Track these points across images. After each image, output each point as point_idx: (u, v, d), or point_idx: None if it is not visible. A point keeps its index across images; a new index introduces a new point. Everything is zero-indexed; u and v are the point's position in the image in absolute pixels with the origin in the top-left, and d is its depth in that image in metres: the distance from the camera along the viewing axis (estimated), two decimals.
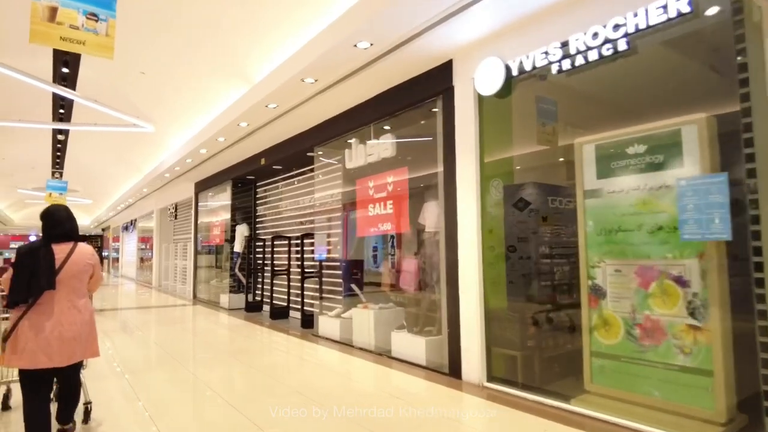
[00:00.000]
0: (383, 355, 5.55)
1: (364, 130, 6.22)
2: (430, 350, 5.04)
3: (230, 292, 10.68)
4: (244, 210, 11.00)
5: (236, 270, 10.75)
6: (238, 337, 7.19)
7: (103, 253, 36.85)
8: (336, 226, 7.36)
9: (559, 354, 4.56)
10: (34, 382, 2.87)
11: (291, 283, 8.95)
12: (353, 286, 6.82)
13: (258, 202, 10.82)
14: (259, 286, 10.28)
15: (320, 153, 7.47)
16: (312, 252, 8.23)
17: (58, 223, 3.05)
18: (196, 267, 13.20)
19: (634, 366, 3.56)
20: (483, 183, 4.52)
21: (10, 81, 8.04)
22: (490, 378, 4.39)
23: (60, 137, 12.26)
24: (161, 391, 4.47)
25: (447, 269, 4.74)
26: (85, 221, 30.64)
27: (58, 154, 14.04)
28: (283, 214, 9.60)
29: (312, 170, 8.42)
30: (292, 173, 9.23)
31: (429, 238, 5.33)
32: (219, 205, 11.82)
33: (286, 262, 9.00)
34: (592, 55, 3.59)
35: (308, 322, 7.64)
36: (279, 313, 8.84)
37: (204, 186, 12.49)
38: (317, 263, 7.93)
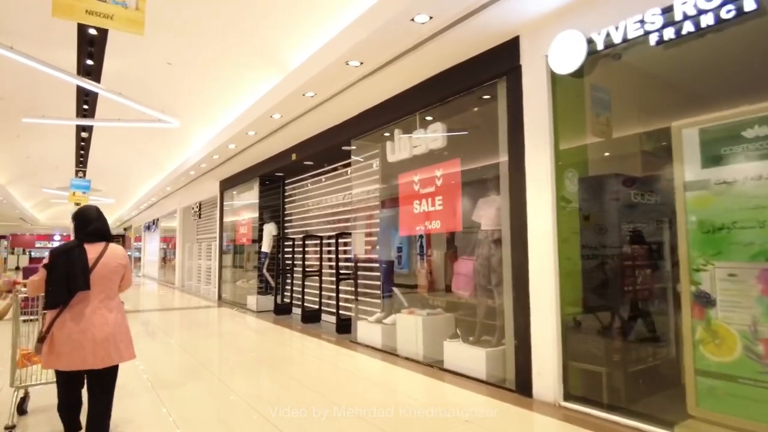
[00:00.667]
0: (434, 366, 5.03)
1: (408, 119, 5.70)
2: (491, 363, 4.51)
3: (258, 293, 10.27)
4: (272, 208, 10.58)
5: (264, 271, 10.34)
6: (271, 344, 6.75)
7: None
8: (374, 224, 6.87)
9: (648, 370, 3.99)
10: (70, 381, 2.92)
11: (323, 285, 8.50)
12: (395, 289, 6.33)
13: (287, 200, 10.39)
14: (288, 287, 9.86)
15: (354, 148, 6.98)
16: (346, 252, 7.75)
17: (89, 221, 3.00)
18: (221, 267, 12.85)
19: (758, 389, 2.99)
20: (557, 174, 3.97)
21: (33, 76, 7.75)
22: (567, 396, 3.85)
23: (84, 134, 12.03)
24: (193, 407, 4.03)
25: (514, 272, 4.20)
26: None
27: (82, 152, 13.86)
28: (314, 213, 9.15)
29: (346, 165, 7.96)
30: (324, 169, 8.77)
31: (486, 237, 4.79)
32: (246, 204, 11.43)
33: (318, 263, 8.55)
34: (706, 20, 3.02)
35: (344, 326, 7.16)
36: (311, 317, 8.39)
37: (230, 184, 12.12)
38: (352, 264, 7.45)
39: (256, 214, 10.63)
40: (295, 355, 6.00)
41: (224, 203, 12.83)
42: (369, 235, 7.02)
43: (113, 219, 29.48)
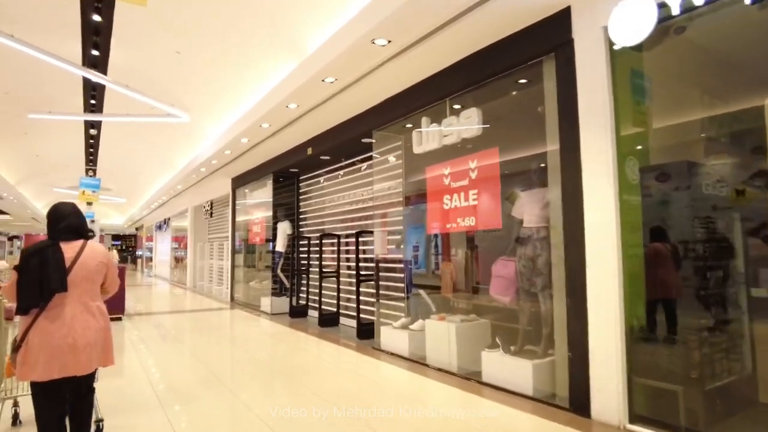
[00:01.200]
0: (471, 379, 4.54)
1: (437, 107, 5.22)
2: (538, 376, 4.01)
3: (272, 295, 9.85)
4: (286, 206, 10.15)
5: (278, 271, 9.91)
6: (288, 350, 6.31)
7: (137, 253, 37.02)
8: (397, 222, 6.40)
9: (727, 387, 3.48)
10: (48, 394, 2.57)
11: (341, 287, 8.04)
12: (421, 291, 5.85)
13: (302, 197, 9.95)
14: (304, 289, 9.42)
15: (375, 141, 6.51)
16: (366, 252, 7.28)
17: (63, 217, 2.72)
18: (233, 267, 12.46)
19: None
20: (619, 163, 3.46)
21: (38, 70, 7.39)
22: (634, 418, 3.34)
23: (92, 131, 11.69)
24: (204, 426, 3.59)
25: (568, 274, 3.70)
26: (118, 221, 30.63)
27: (91, 150, 13.56)
28: (331, 210, 8.69)
29: (366, 159, 7.49)
30: (341, 164, 8.30)
31: (530, 235, 4.29)
32: (258, 202, 11.02)
33: (335, 263, 8.10)
34: None
35: (365, 332, 6.70)
36: (328, 320, 7.94)
37: (242, 181, 11.71)
38: (372, 265, 6.99)
39: (270, 213, 10.21)
40: (314, 364, 5.54)
41: (236, 201, 12.43)
42: (391, 233, 6.55)
43: (125, 219, 29.35)
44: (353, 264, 7.45)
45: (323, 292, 8.30)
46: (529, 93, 4.48)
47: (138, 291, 16.37)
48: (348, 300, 7.99)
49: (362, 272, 7.03)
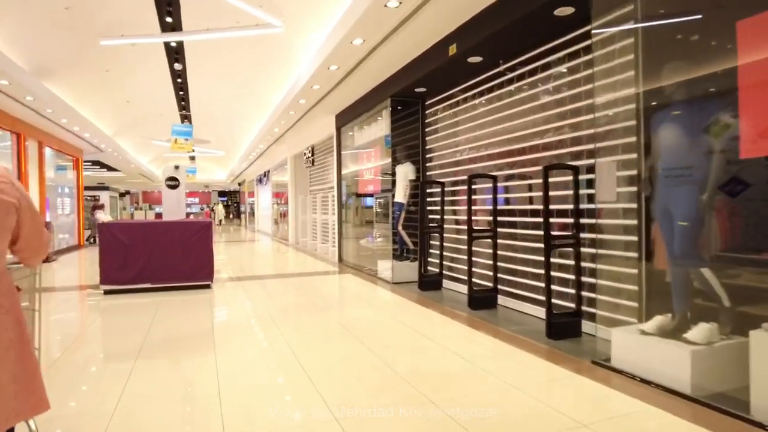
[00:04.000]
0: None
1: None
2: None
3: (393, 258, 7.62)
4: (407, 144, 7.72)
5: (399, 227, 7.62)
6: (438, 354, 3.93)
7: (240, 209, 37.39)
8: (628, 148, 3.68)
9: None
10: None
11: (500, 252, 5.53)
12: (706, 271, 3.12)
13: (428, 128, 7.41)
14: (433, 252, 7.06)
15: (572, 10, 3.73)
16: (555, 201, 4.61)
17: None
18: (341, 222, 10.44)
19: None
20: None
21: None
22: None
23: (177, 67, 9.99)
24: None
25: None
26: (221, 176, 30.47)
27: (181, 92, 12.06)
28: (480, 142, 6.07)
29: (558, 50, 4.73)
30: (499, 69, 5.58)
31: None
32: (370, 141, 8.69)
33: (489, 218, 5.57)
34: None
35: (561, 328, 4.16)
36: (480, 300, 5.50)
37: (349, 116, 9.44)
38: (569, 221, 4.38)
39: (386, 153, 7.85)
40: (498, 390, 3.11)
41: (342, 143, 10.24)
42: (624, 166, 3.82)
43: (226, 174, 29.02)
44: (520, 219, 4.88)
45: (466, 259, 5.82)
46: None
47: (238, 249, 15.19)
48: (511, 272, 5.48)
49: (554, 233, 4.41)
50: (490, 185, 5.53)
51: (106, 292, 6.60)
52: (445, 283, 6.77)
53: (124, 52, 8.63)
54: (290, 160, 15.06)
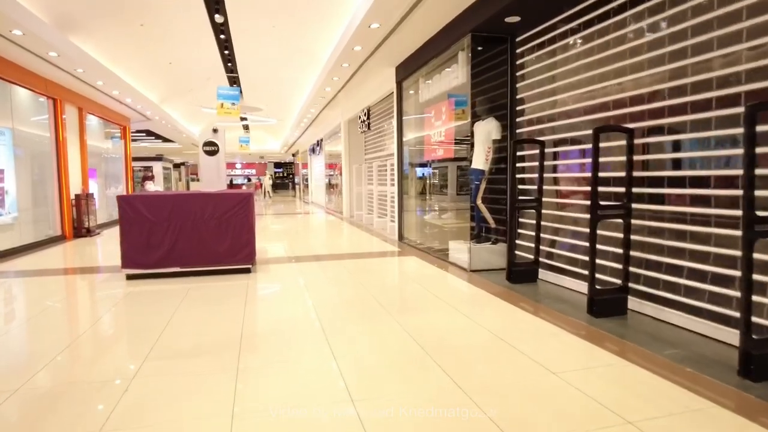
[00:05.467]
0: None
1: None
2: None
3: (471, 239, 6.13)
4: (490, 94, 6.09)
5: (477, 201, 6.09)
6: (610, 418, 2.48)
7: (294, 180, 36.69)
8: None
9: None
10: None
11: (633, 237, 3.91)
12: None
13: (521, 73, 5.72)
14: (523, 232, 5.49)
15: None
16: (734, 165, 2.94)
17: None
18: (401, 195, 9.01)
19: None
20: None
21: None
22: None
23: (218, 18, 8.74)
24: None
25: None
26: (274, 146, 29.66)
27: (226, 52, 10.88)
28: (600, 90, 4.36)
29: None
30: None
31: None
32: (441, 92, 7.10)
33: (609, 189, 3.94)
34: None
35: (761, 365, 2.57)
36: (605, 304, 3.92)
37: (414, 65, 7.86)
38: (734, 194, 2.72)
39: (462, 107, 6.27)
40: None
41: (403, 101, 8.72)
42: None
43: (280, 144, 28.15)
44: (669, 190, 3.23)
45: (569, 244, 4.21)
46: None
47: (290, 222, 14.12)
48: (642, 264, 3.85)
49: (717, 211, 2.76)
50: (618, 143, 3.87)
51: (129, 277, 5.56)
52: (542, 273, 5.22)
53: (158, 3, 7.46)
54: (343, 126, 13.71)
